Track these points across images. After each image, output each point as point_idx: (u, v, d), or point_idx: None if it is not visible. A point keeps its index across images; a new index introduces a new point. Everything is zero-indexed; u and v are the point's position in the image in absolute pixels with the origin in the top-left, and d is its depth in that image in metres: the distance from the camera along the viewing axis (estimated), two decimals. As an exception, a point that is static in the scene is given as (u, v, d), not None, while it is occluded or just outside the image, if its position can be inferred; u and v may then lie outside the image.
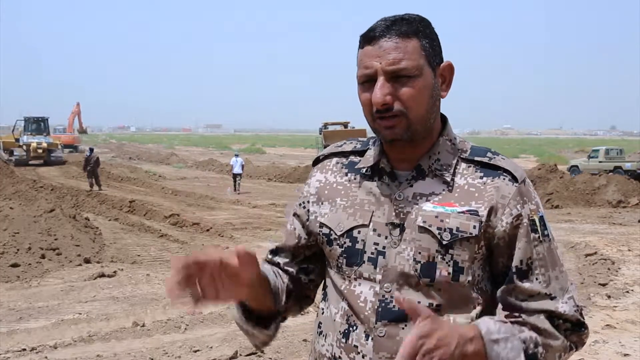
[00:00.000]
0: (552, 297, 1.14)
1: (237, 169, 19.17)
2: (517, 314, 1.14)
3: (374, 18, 1.19)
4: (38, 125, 29.89)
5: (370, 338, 1.14)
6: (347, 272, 1.20)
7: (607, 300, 6.27)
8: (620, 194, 15.71)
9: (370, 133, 1.30)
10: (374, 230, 1.18)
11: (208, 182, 22.45)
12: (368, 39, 1.15)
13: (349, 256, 1.20)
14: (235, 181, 19.22)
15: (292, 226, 1.33)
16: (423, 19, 1.17)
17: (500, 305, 1.18)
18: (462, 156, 1.21)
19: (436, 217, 1.15)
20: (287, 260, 1.33)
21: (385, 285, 1.15)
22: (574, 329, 1.15)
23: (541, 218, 1.18)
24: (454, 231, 1.14)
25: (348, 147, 1.32)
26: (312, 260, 1.33)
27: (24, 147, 27.97)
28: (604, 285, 6.87)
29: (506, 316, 1.14)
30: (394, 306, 1.14)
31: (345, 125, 32.06)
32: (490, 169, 1.19)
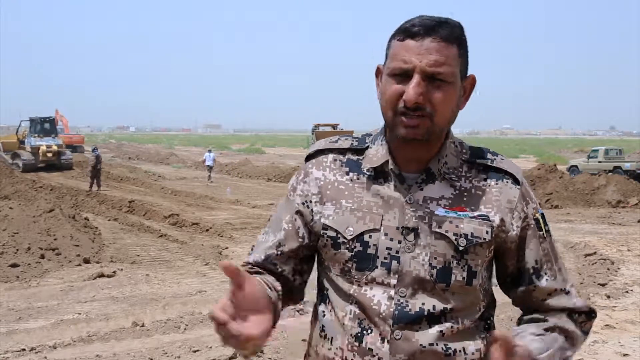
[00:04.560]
0: (567, 292, 1.23)
1: (209, 162, 22.90)
2: (542, 316, 1.23)
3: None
4: (45, 126, 27.12)
5: (386, 341, 1.14)
6: (356, 277, 1.18)
7: (607, 300, 6.27)
8: (619, 194, 15.71)
9: (358, 134, 1.30)
10: (386, 234, 1.17)
11: (208, 182, 22.43)
12: (412, 33, 1.12)
13: (359, 260, 1.17)
14: (209, 172, 22.91)
15: (293, 225, 1.25)
16: (462, 27, 1.16)
17: (514, 301, 1.27)
18: (463, 158, 1.23)
19: (450, 222, 1.16)
20: (282, 261, 1.25)
21: (401, 290, 1.15)
22: (586, 319, 1.25)
23: (542, 215, 1.24)
24: (469, 237, 1.16)
25: (344, 143, 1.27)
26: (307, 260, 1.29)
27: (30, 150, 25.69)
28: (603, 285, 6.87)
29: (533, 319, 1.24)
30: (410, 310, 1.14)
31: (335, 127, 32.89)
32: (493, 171, 1.22)
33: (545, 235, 1.23)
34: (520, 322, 1.27)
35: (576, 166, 24.48)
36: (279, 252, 1.25)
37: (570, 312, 1.22)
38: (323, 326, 1.23)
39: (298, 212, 1.25)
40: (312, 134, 32.29)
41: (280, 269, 1.25)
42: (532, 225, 1.21)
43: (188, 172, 27.94)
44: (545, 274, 1.22)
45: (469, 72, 1.20)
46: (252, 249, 1.31)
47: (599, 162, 23.66)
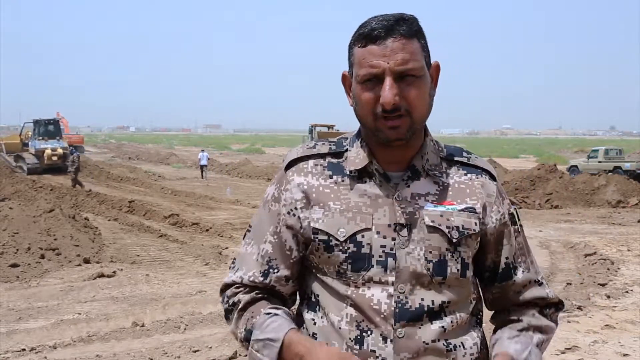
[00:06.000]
0: (540, 283, 1.29)
1: (203, 162, 24.53)
2: (515, 318, 1.27)
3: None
4: (49, 128, 26.18)
5: (389, 340, 1.13)
6: (352, 278, 1.17)
7: (607, 300, 6.27)
8: (619, 194, 15.72)
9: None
10: (378, 232, 1.17)
11: (207, 182, 22.44)
12: (372, 38, 1.13)
13: (354, 261, 1.17)
14: (202, 171, 24.49)
15: (279, 237, 1.23)
16: (416, 19, 1.18)
17: (491, 298, 1.31)
18: (441, 156, 1.26)
19: (441, 216, 1.18)
20: (282, 284, 1.24)
21: (400, 286, 1.15)
22: (555, 310, 1.31)
23: (515, 210, 1.29)
24: (460, 229, 1.18)
25: (323, 148, 1.27)
26: (299, 279, 1.27)
27: (34, 153, 24.77)
28: (603, 285, 6.87)
29: (508, 321, 1.28)
30: (410, 306, 1.15)
31: (330, 127, 33.14)
32: (471, 167, 1.26)
33: (519, 230, 1.29)
34: (495, 329, 1.31)
35: (576, 166, 24.48)
36: (275, 270, 1.23)
37: (542, 307, 1.28)
38: (314, 334, 1.20)
39: (284, 224, 1.23)
40: (310, 134, 32.54)
41: (280, 292, 1.26)
42: (508, 221, 1.26)
43: (188, 172, 27.94)
44: (520, 266, 1.27)
45: (433, 60, 1.22)
46: (233, 263, 1.29)
47: (599, 162, 23.66)
